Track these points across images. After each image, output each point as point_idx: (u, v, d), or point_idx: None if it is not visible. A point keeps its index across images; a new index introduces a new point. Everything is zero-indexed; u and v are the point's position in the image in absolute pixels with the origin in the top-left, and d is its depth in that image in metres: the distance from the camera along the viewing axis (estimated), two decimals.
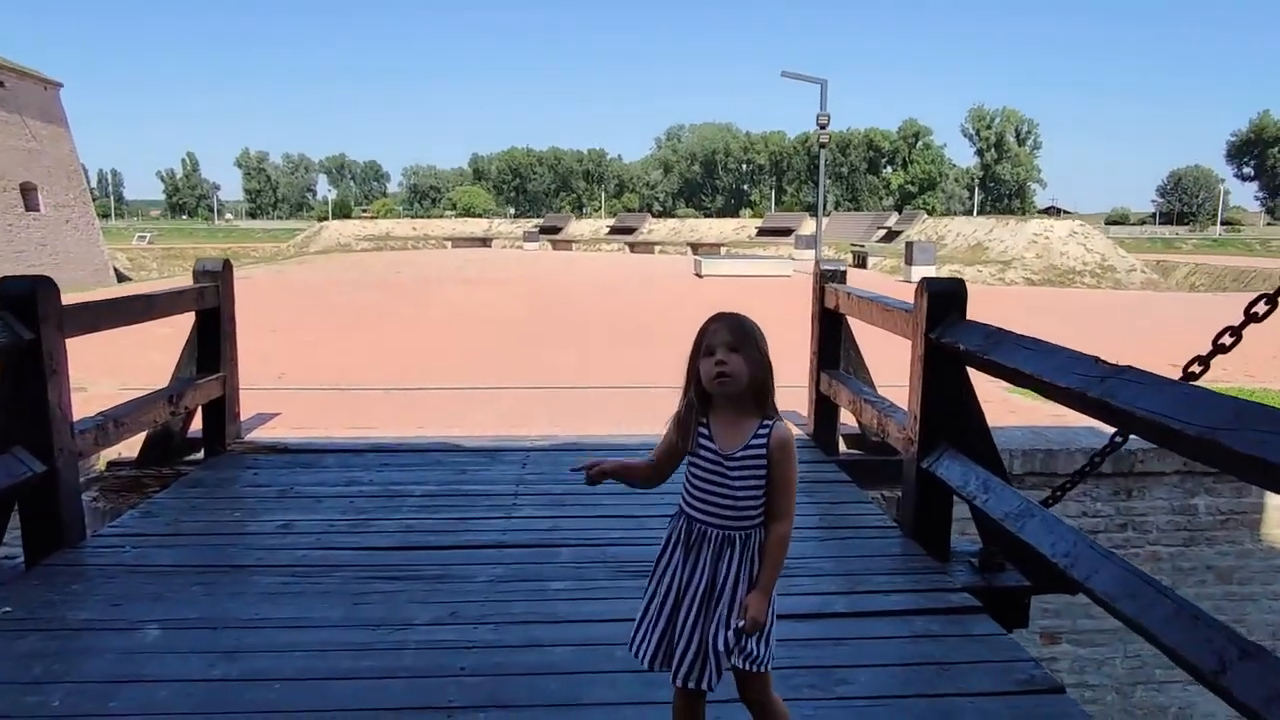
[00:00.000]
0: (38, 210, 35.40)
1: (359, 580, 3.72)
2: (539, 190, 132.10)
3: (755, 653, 2.21)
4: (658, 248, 38.04)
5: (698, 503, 2.25)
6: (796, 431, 5.99)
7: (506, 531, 4.30)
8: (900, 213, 35.45)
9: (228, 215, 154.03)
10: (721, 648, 2.19)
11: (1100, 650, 6.30)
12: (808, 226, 35.96)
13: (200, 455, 5.89)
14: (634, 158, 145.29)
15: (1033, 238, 23.53)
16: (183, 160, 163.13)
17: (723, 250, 34.76)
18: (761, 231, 37.49)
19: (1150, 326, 13.91)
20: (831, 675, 2.98)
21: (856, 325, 5.77)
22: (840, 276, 5.97)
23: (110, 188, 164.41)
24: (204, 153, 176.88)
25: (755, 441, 2.22)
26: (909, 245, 21.12)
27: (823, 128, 22.13)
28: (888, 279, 22.77)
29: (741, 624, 2.16)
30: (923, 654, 3.15)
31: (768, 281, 21.14)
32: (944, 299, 4.10)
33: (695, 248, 36.29)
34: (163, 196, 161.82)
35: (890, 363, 5.69)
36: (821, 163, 23.11)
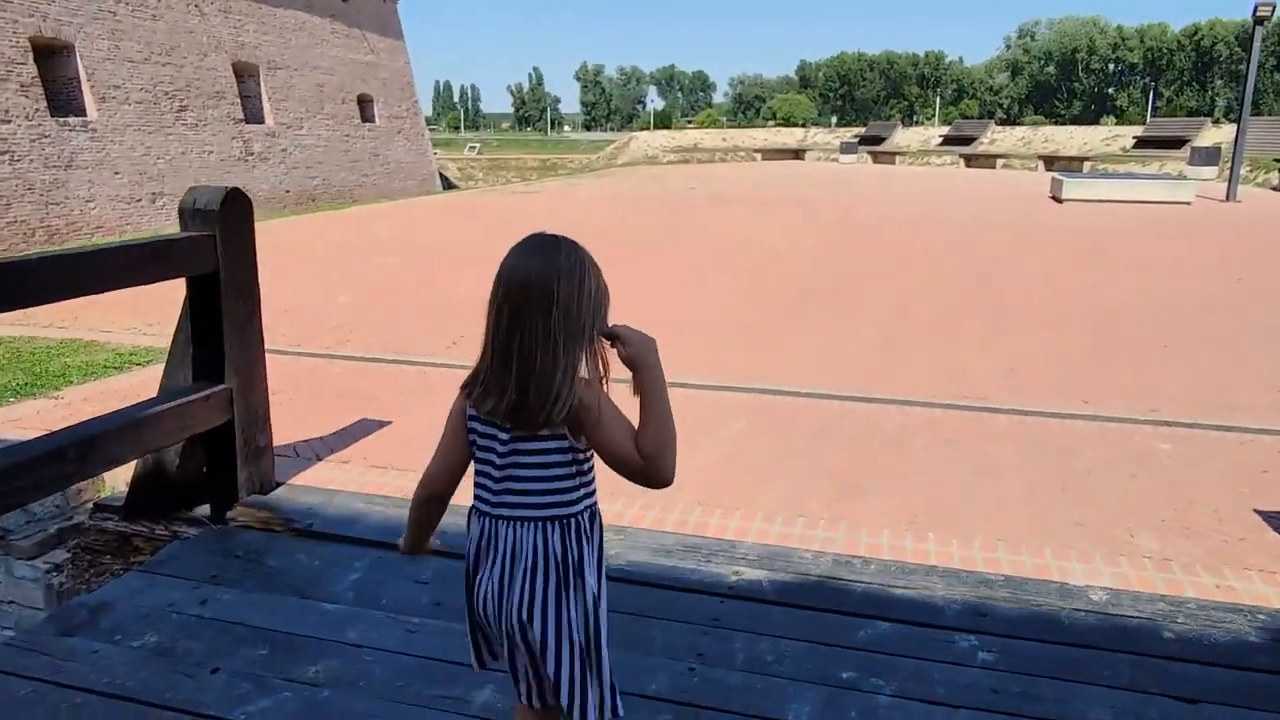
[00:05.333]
0: (372, 121, 37.20)
1: None
2: (868, 98, 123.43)
3: None
4: (1000, 161, 32.07)
5: None
6: None
7: None
8: None
9: (566, 127, 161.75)
10: None
11: None
12: (1207, 136, 28.26)
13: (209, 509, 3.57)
14: (977, 60, 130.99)
15: None
16: (529, 74, 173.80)
17: (1086, 166, 28.30)
18: (1141, 142, 30.07)
19: None
20: None
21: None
22: None
23: (469, 102, 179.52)
24: (549, 67, 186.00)
25: None
26: None
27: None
28: None
29: None
30: None
31: (1160, 210, 15.80)
32: None
33: (1049, 161, 29.97)
34: (512, 110, 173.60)
35: None
36: (1255, 40, 16.78)
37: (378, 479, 3.84)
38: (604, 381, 1.59)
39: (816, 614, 2.75)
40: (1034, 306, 7.77)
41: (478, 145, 61.41)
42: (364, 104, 36.92)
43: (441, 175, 43.99)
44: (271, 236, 13.08)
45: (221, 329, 3.39)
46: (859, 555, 3.14)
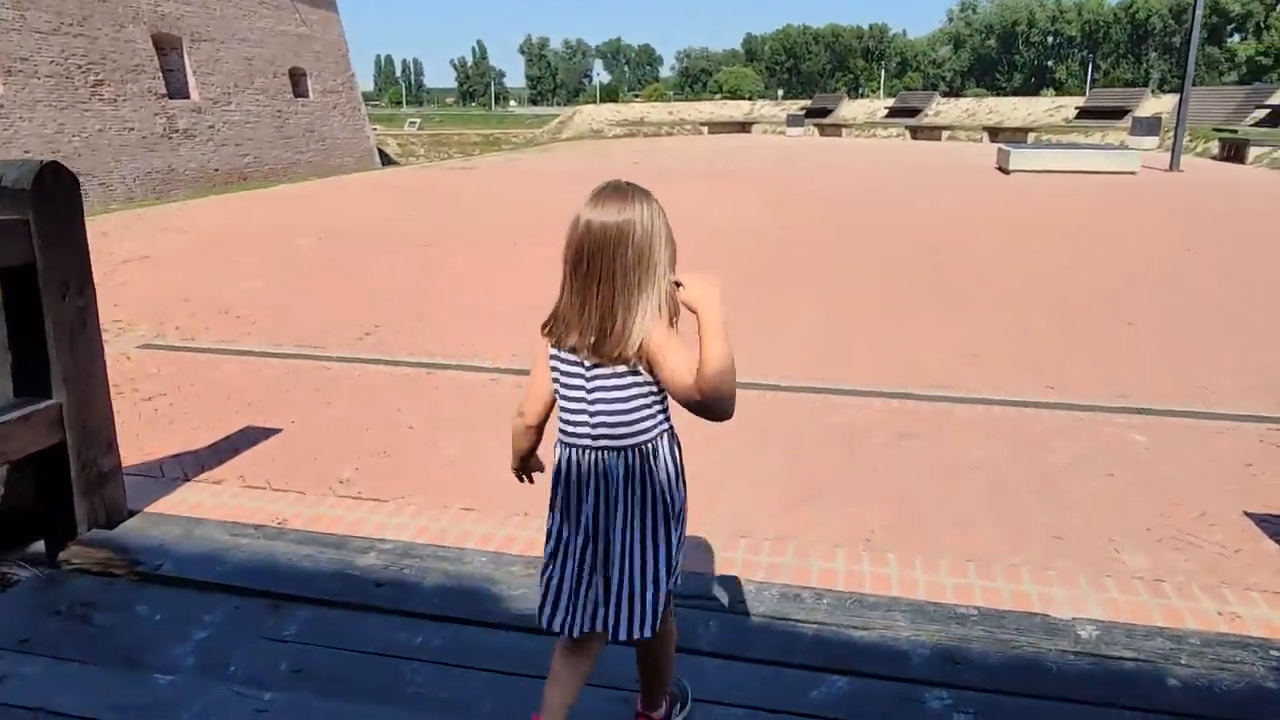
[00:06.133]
0: (306, 96, 35.84)
1: None
2: (813, 71, 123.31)
3: None
4: (945, 133, 31.97)
5: None
6: None
7: None
8: None
9: (512, 102, 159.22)
10: None
11: None
12: (1148, 106, 28.42)
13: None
14: (920, 33, 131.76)
15: None
16: (473, 49, 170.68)
17: (1030, 137, 28.29)
18: (1083, 113, 30.15)
19: None
20: None
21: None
22: None
23: (411, 76, 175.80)
24: (493, 41, 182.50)
25: None
26: None
27: None
28: None
29: None
30: None
31: (1107, 181, 15.65)
32: None
33: (994, 133, 29.91)
34: (456, 84, 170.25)
35: None
36: (1197, 8, 16.66)
37: (251, 503, 3.29)
38: (674, 321, 1.67)
39: (760, 668, 2.29)
40: (989, 283, 7.41)
41: (418, 120, 59.76)
42: (297, 78, 35.53)
43: (381, 151, 42.71)
44: (188, 218, 12.24)
45: (44, 333, 2.80)
46: (809, 586, 2.69)
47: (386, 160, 41.59)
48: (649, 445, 1.72)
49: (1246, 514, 3.22)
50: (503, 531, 3.06)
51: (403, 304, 6.73)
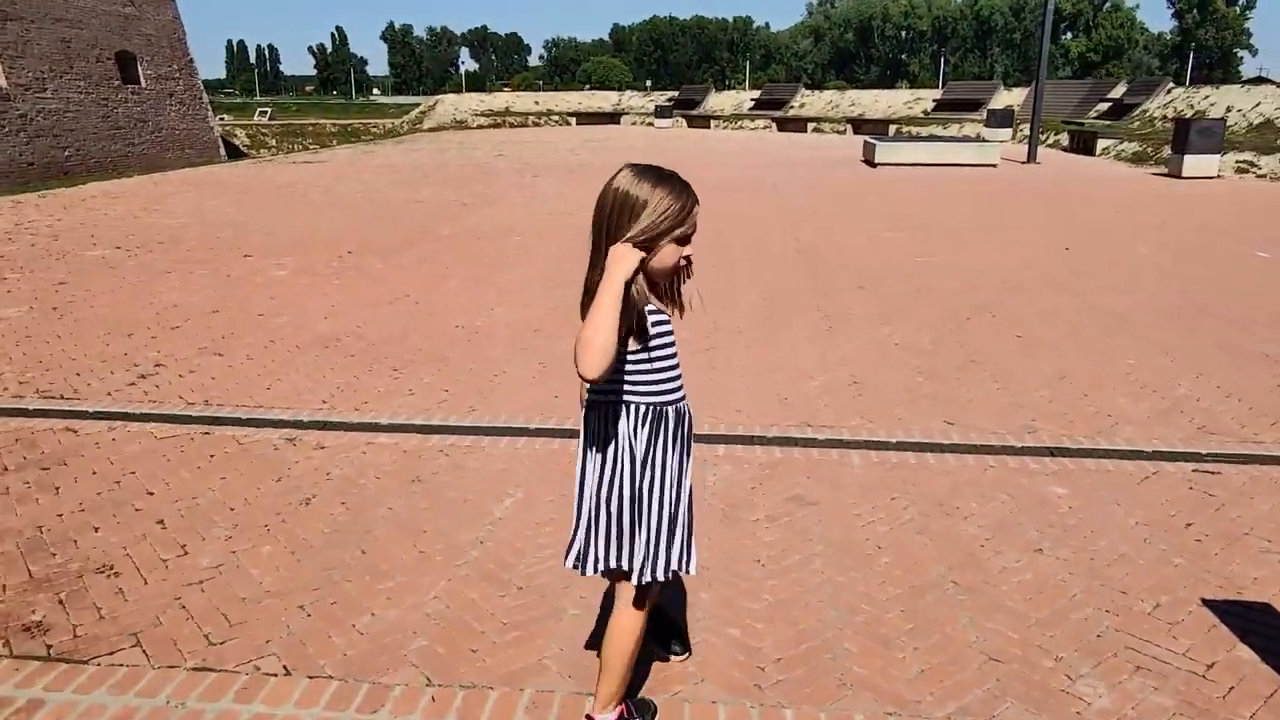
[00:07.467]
0: (137, 83, 32.98)
1: None
2: (681, 62, 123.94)
3: None
4: (811, 125, 32.10)
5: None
6: None
7: None
8: (1128, 81, 27.66)
9: (375, 90, 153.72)
10: None
11: None
12: (1001, 99, 29.25)
13: None
14: (782, 26, 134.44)
15: None
16: (332, 35, 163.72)
17: (891, 129, 28.65)
18: (940, 105, 30.81)
19: None
20: None
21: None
22: None
23: (266, 64, 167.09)
24: (354, 27, 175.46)
25: None
26: (1183, 124, 15.00)
27: None
28: (1139, 173, 16.77)
29: None
30: None
31: (970, 174, 15.66)
32: None
33: (857, 124, 30.20)
34: (315, 72, 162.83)
35: None
36: (1049, 4, 16.89)
37: None
38: (644, 291, 1.78)
39: None
40: (868, 290, 6.86)
41: (269, 109, 56.24)
42: (125, 63, 32.62)
43: (229, 143, 39.88)
44: None
45: None
46: None
47: (235, 153, 38.89)
48: (629, 407, 1.81)
49: (1205, 602, 2.64)
50: (248, 710, 2.14)
51: (199, 331, 5.61)
